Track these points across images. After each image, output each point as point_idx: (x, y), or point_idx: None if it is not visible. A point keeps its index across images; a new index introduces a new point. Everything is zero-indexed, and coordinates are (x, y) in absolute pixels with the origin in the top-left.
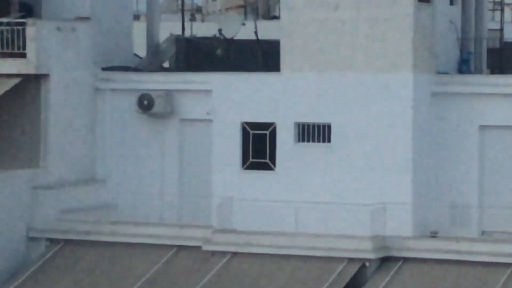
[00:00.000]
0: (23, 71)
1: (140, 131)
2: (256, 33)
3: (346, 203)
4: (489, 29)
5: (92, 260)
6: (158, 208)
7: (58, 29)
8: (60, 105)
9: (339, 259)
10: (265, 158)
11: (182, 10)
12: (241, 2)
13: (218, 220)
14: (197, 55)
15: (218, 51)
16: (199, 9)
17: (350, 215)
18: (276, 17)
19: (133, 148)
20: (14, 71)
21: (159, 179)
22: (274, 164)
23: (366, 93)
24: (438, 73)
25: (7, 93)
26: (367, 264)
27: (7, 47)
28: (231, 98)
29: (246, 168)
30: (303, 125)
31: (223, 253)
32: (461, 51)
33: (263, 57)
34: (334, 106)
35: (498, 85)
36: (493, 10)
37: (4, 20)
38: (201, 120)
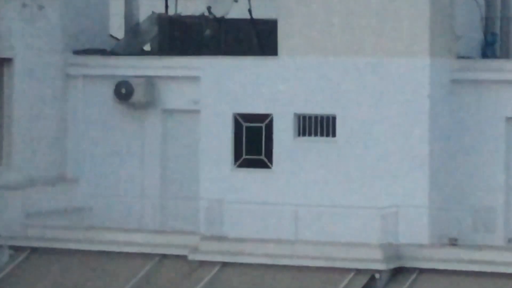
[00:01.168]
0: None
1: (118, 123)
2: (250, 11)
3: (353, 206)
4: None
5: (63, 271)
6: (138, 211)
7: (24, 5)
8: (25, 94)
9: (345, 271)
10: (261, 155)
11: None
12: None
13: (206, 225)
14: (182, 37)
15: (207, 32)
16: None
17: (358, 220)
18: None
19: (109, 143)
20: None
21: (139, 179)
22: (270, 161)
23: (376, 80)
24: (459, 57)
25: None
26: (377, 276)
27: None
28: (222, 86)
29: (238, 166)
30: (304, 117)
31: (212, 264)
32: (485, 33)
33: (258, 39)
34: (339, 96)
35: None
36: None
37: None
38: (187, 111)
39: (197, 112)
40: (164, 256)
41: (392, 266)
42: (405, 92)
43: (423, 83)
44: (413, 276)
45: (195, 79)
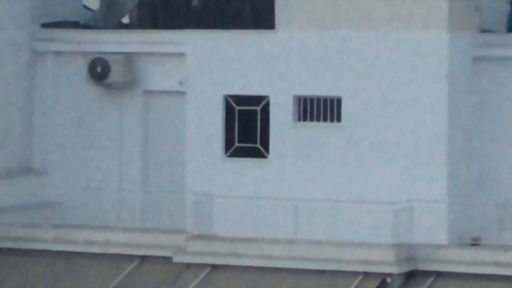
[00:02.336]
0: None
1: (92, 107)
2: None
3: (361, 201)
4: None
5: (30, 274)
6: (116, 207)
7: None
8: None
9: (351, 274)
10: (256, 143)
11: None
12: None
13: (193, 223)
14: (166, 8)
15: (194, 2)
16: None
17: (367, 217)
18: None
19: (82, 130)
20: None
21: (117, 170)
22: (267, 150)
23: (387, 58)
24: (482, 31)
25: None
26: (388, 280)
27: None
28: (211, 64)
29: (230, 156)
30: (305, 100)
31: (201, 266)
32: None
33: (252, 10)
34: (345, 75)
35: None
36: None
37: None
38: (171, 93)
39: (183, 94)
40: (145, 258)
41: (405, 269)
42: (421, 71)
43: (441, 60)
44: (430, 280)
45: (180, 56)
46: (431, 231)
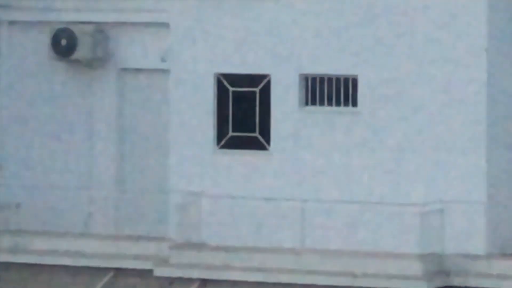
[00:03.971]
0: None
1: (56, 88)
2: None
3: (382, 203)
4: None
5: None
6: (84, 209)
7: None
8: None
9: None
10: (254, 132)
11: None
12: None
13: (178, 228)
14: None
15: None
16: None
17: (388, 222)
18: None
19: (43, 116)
20: None
21: (86, 165)
22: (267, 140)
23: (412, 25)
24: None
25: None
26: None
27: None
28: (200, 36)
29: (223, 147)
30: (314, 79)
31: (187, 281)
32: None
33: None
34: (362, 48)
35: None
36: None
37: None
38: (151, 71)
39: (165, 72)
40: (120, 271)
41: (436, 284)
42: (452, 44)
43: (479, 30)
44: None
45: (162, 26)
46: (467, 238)
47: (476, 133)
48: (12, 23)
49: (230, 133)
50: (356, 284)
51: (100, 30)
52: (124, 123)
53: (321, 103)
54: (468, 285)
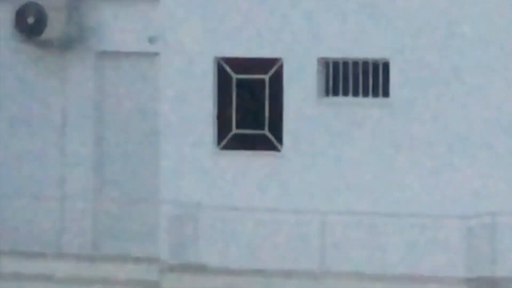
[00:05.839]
0: None
1: (21, 74)
2: None
3: (418, 215)
4: None
5: None
6: (57, 222)
7: None
8: None
9: None
10: (262, 128)
11: None
12: None
13: (171, 247)
14: None
15: None
16: None
17: (426, 238)
18: None
19: (6, 110)
20: None
21: (58, 167)
22: (279, 139)
23: (449, 3)
24: None
25: None
26: None
27: None
28: (197, 13)
29: (225, 147)
30: (336, 64)
31: None
32: None
33: None
34: (392, 29)
35: None
36: None
37: None
38: (138, 54)
39: (154, 56)
40: None
41: None
42: (496, 23)
43: None
44: None
45: (151, 1)
46: None
47: None
48: None
49: (234, 131)
50: None
51: (74, 6)
52: (104, 117)
53: (345, 93)
54: None
